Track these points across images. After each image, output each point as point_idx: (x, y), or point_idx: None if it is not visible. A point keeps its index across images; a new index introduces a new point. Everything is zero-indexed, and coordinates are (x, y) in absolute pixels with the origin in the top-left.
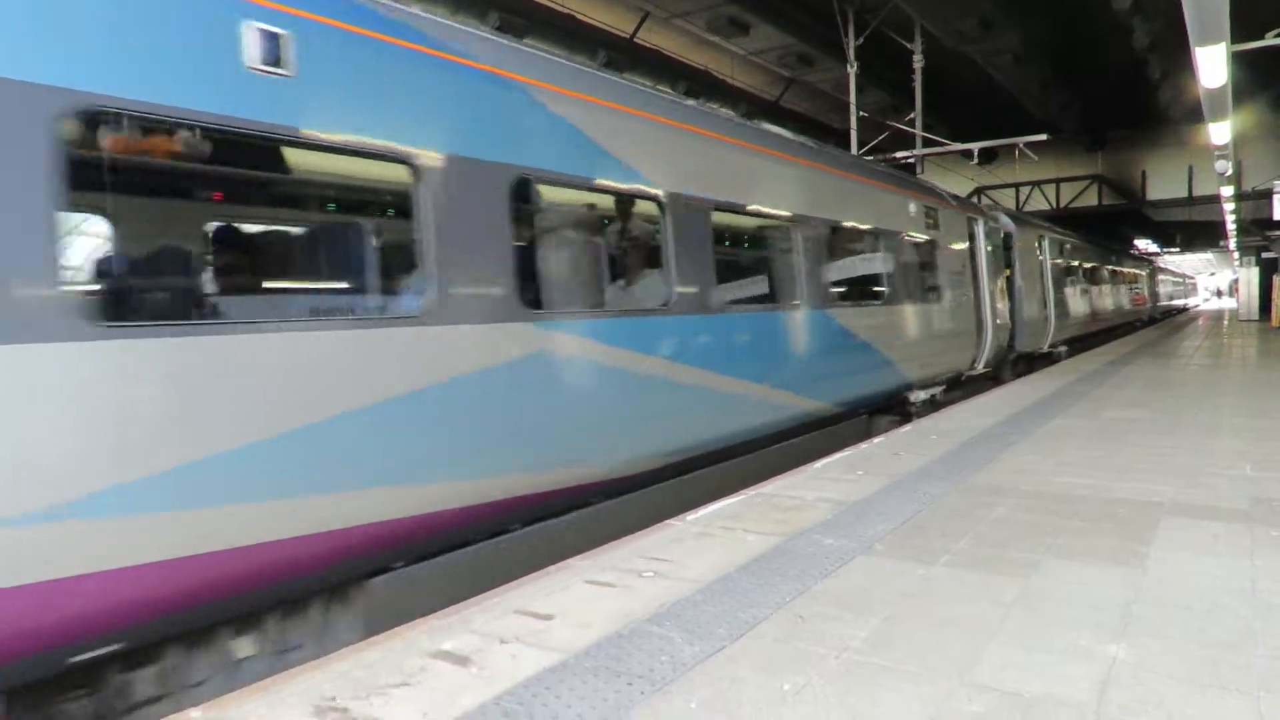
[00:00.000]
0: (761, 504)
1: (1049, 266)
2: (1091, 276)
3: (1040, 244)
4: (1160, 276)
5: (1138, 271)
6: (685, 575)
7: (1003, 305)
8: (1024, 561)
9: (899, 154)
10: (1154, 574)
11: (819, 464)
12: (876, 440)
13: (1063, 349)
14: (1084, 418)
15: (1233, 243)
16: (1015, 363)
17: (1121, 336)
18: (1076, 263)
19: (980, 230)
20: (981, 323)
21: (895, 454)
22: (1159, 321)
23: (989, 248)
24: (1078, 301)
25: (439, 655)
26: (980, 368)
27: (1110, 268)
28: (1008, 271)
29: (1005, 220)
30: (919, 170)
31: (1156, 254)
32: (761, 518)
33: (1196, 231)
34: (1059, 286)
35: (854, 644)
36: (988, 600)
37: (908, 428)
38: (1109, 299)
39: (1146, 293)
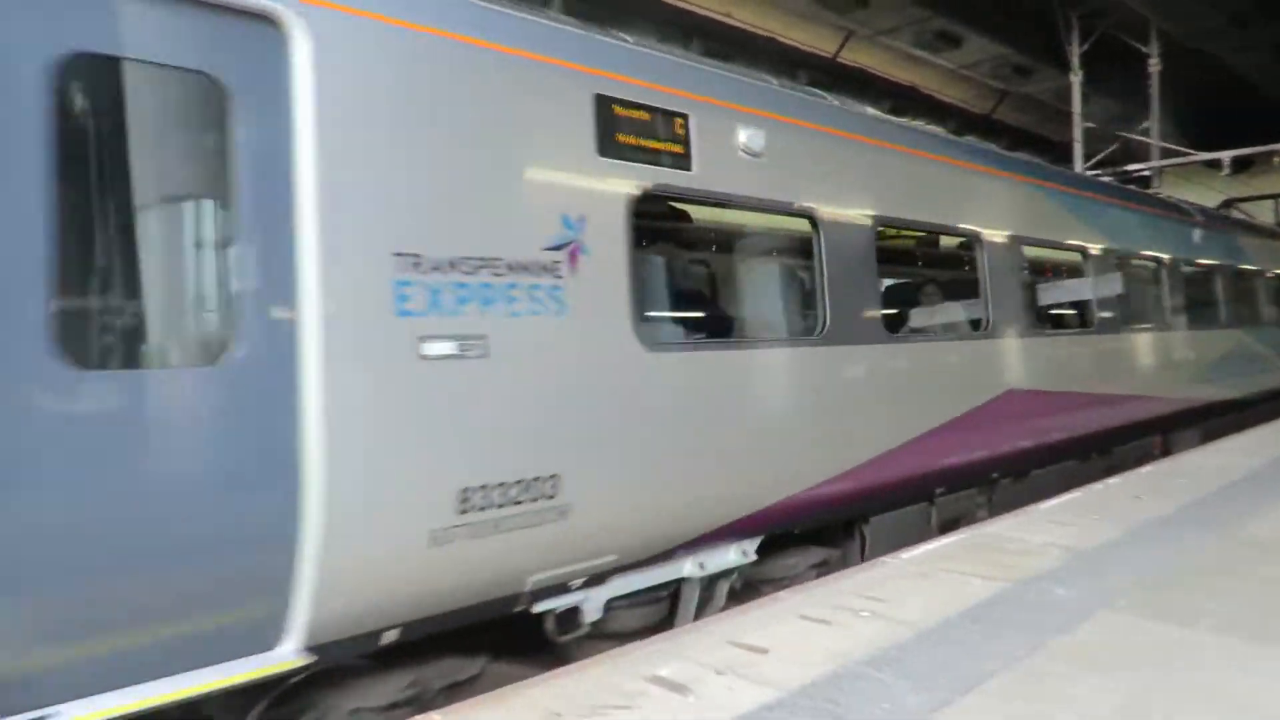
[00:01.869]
0: (983, 545)
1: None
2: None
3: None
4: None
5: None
6: (903, 617)
7: None
8: None
9: (1131, 166)
10: None
11: (1046, 505)
12: (1112, 481)
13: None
14: None
15: None
16: None
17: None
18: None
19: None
20: None
21: (1136, 497)
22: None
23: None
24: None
25: (656, 681)
26: None
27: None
28: None
29: None
30: (1156, 184)
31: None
32: (983, 560)
33: None
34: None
35: (1101, 712)
36: (1263, 673)
37: (1148, 468)
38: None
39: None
